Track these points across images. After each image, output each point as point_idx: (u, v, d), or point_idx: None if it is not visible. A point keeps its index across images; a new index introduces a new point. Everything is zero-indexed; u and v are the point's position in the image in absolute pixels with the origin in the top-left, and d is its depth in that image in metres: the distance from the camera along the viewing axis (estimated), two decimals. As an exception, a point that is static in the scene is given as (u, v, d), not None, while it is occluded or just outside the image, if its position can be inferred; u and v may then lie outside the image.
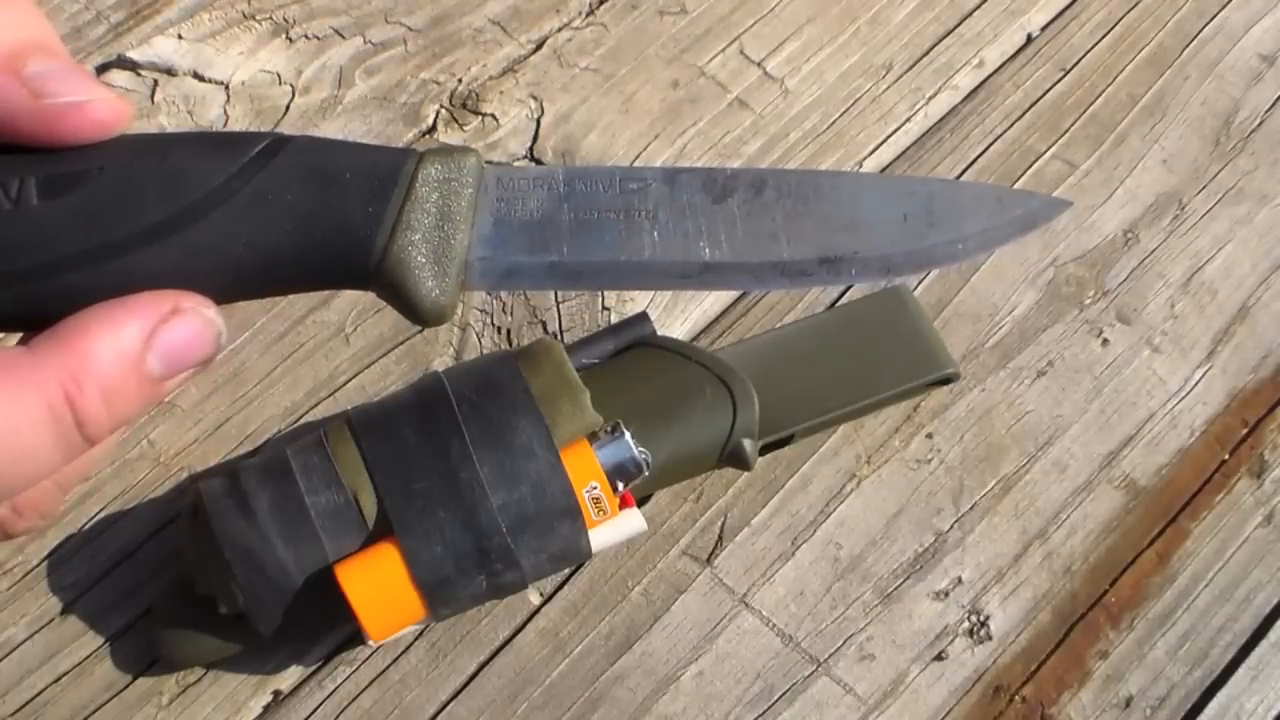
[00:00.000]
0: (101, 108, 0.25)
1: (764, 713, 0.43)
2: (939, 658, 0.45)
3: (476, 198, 0.28)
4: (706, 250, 0.29)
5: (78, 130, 0.25)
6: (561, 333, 0.49)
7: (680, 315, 0.50)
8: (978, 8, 0.58)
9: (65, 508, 0.44)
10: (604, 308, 0.50)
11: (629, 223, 0.29)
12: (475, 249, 0.28)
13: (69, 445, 0.25)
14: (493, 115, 0.54)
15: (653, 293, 0.50)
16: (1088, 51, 0.57)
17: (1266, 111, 0.56)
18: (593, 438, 0.39)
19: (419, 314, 0.28)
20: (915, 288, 0.51)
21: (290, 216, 0.26)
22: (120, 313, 0.26)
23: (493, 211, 0.28)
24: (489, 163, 0.29)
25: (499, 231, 0.28)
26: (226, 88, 0.53)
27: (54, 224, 0.25)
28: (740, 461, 0.43)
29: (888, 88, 0.56)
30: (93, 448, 0.26)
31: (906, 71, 0.56)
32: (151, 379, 0.26)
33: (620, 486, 0.39)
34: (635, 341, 0.45)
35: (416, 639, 0.44)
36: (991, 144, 0.55)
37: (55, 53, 0.25)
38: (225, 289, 0.27)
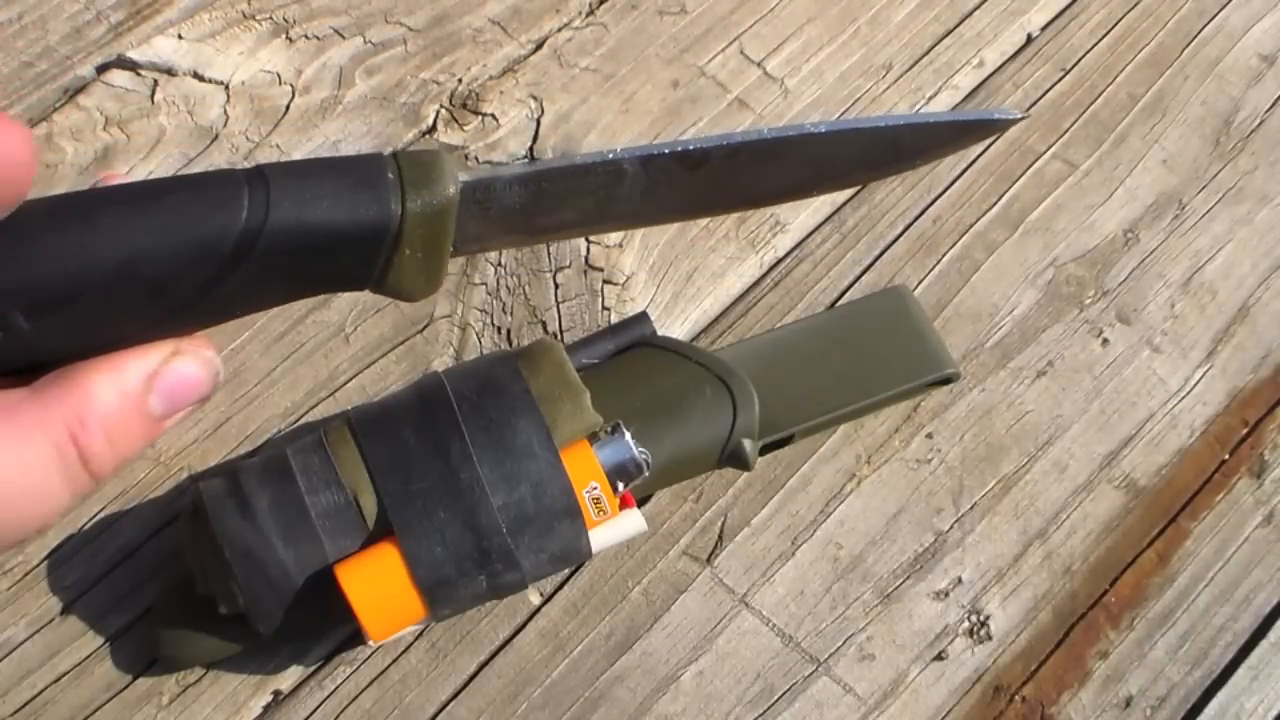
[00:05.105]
0: None
1: (764, 713, 0.43)
2: (939, 658, 0.45)
3: (458, 209, 0.29)
4: (678, 206, 0.31)
5: None
6: (561, 333, 0.49)
7: (680, 315, 0.50)
8: (978, 8, 0.58)
9: (65, 508, 0.44)
10: (604, 308, 0.50)
11: (605, 199, 0.30)
12: (456, 241, 0.30)
13: (75, 483, 0.27)
14: (493, 115, 0.54)
15: (653, 292, 0.50)
16: (1088, 51, 0.57)
17: (1266, 111, 0.56)
18: (593, 438, 0.39)
19: (407, 301, 0.31)
20: (915, 288, 0.51)
21: (279, 294, 0.28)
22: (122, 355, 0.27)
23: (473, 214, 0.30)
24: (472, 161, 0.31)
25: (479, 226, 0.30)
26: (226, 88, 0.53)
27: (48, 339, 0.26)
28: (740, 461, 0.43)
29: (888, 88, 0.56)
30: (97, 485, 0.27)
31: (906, 71, 0.56)
32: (153, 418, 0.28)
33: (620, 486, 0.39)
34: (635, 341, 0.45)
35: (416, 639, 0.44)
36: (991, 144, 0.55)
37: None
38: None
